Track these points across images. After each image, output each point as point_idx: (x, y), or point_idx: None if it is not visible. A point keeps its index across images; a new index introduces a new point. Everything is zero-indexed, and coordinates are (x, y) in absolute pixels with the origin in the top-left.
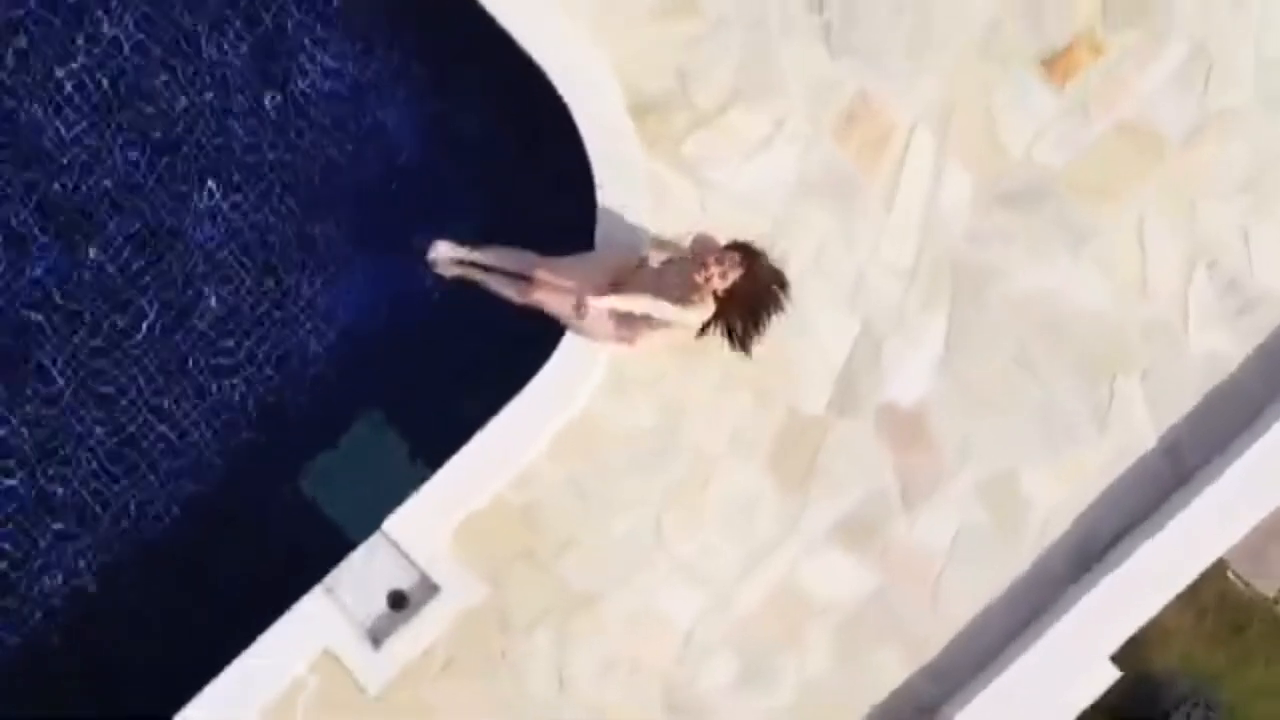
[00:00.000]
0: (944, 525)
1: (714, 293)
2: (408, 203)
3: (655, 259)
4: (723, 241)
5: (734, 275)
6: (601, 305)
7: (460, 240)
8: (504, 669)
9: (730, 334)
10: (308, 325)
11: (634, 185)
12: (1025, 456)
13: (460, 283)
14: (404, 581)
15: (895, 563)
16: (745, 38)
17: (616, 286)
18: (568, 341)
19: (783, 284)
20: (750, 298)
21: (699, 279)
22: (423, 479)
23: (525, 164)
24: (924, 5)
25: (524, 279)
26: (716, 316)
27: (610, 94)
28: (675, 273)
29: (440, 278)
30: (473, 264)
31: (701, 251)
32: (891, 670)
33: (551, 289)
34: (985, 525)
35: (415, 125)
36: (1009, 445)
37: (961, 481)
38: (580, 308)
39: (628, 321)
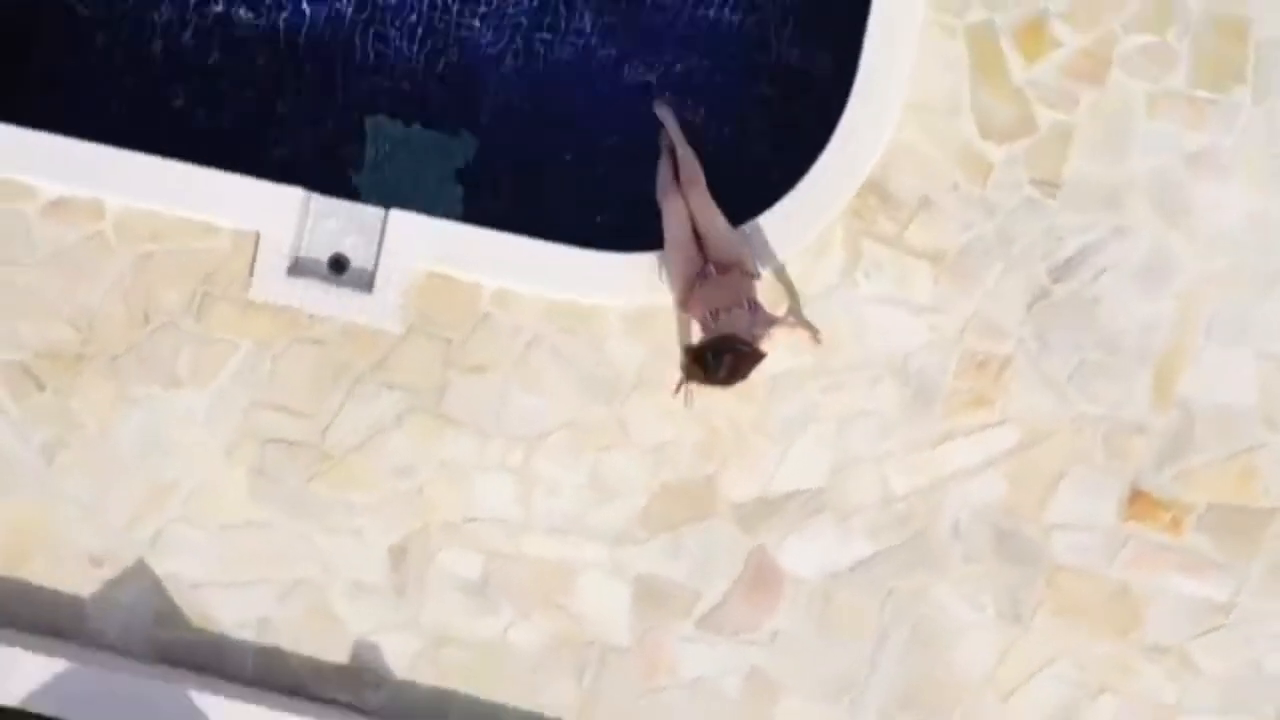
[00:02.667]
0: None
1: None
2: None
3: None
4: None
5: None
6: (677, 259)
7: (684, 116)
8: (343, 390)
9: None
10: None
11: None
12: None
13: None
14: (357, 260)
15: None
16: None
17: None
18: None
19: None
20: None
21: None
22: (458, 216)
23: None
24: None
25: (676, 184)
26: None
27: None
28: (725, 296)
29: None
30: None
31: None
32: None
33: (677, 213)
34: None
35: None
36: None
37: None
38: (672, 244)
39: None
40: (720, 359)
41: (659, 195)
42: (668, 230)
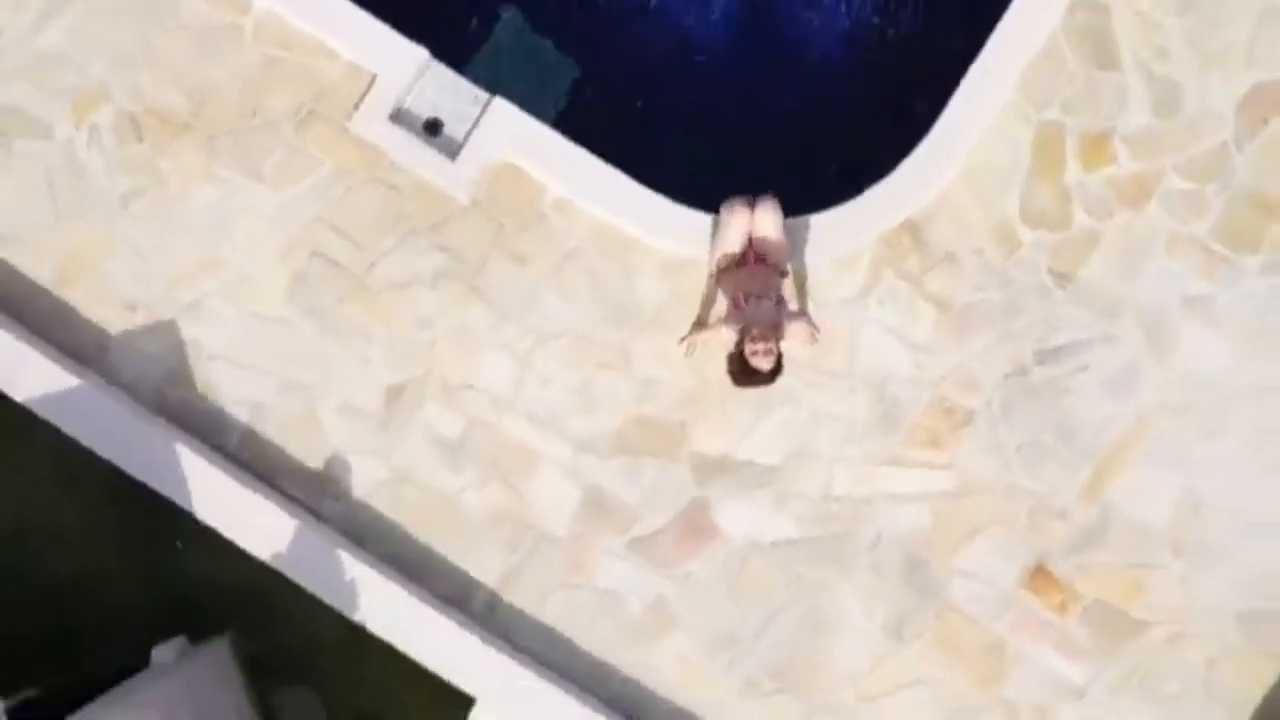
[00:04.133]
0: None
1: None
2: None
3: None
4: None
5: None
6: (725, 241)
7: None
8: (398, 235)
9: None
10: None
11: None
12: None
13: None
14: (450, 129)
15: None
16: None
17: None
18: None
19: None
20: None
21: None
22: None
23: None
24: None
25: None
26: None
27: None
28: (757, 285)
29: None
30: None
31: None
32: None
33: (738, 226)
34: None
35: None
36: None
37: None
38: (723, 237)
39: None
40: (753, 376)
41: (724, 206)
42: (723, 228)
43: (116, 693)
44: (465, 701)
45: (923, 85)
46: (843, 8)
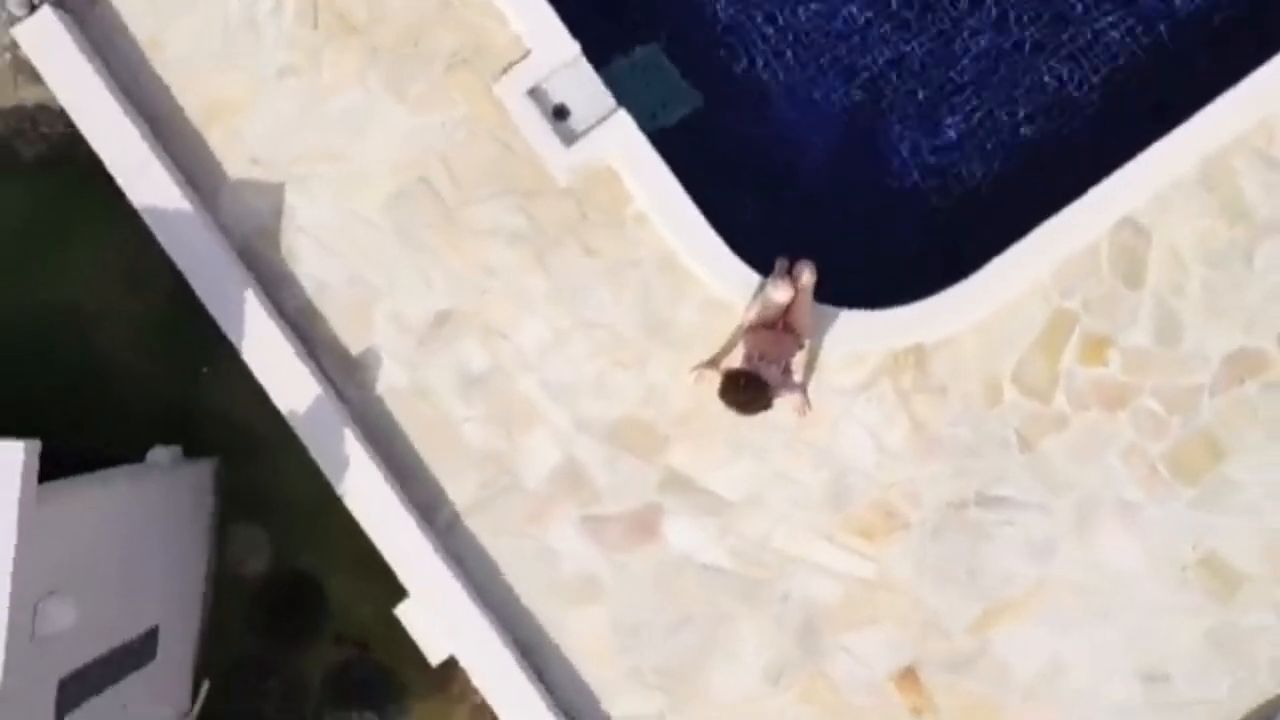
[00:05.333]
0: None
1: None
2: None
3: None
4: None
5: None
6: (764, 307)
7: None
8: (492, 191)
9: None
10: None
11: None
12: None
13: None
14: (574, 120)
15: None
16: None
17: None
18: None
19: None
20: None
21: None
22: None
23: None
24: None
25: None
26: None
27: None
28: (774, 351)
29: None
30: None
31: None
32: None
33: (777, 299)
34: None
35: None
36: None
37: None
38: (766, 301)
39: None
40: (745, 393)
41: (773, 275)
42: (768, 292)
43: (104, 474)
44: (397, 593)
45: (977, 231)
46: (926, 147)
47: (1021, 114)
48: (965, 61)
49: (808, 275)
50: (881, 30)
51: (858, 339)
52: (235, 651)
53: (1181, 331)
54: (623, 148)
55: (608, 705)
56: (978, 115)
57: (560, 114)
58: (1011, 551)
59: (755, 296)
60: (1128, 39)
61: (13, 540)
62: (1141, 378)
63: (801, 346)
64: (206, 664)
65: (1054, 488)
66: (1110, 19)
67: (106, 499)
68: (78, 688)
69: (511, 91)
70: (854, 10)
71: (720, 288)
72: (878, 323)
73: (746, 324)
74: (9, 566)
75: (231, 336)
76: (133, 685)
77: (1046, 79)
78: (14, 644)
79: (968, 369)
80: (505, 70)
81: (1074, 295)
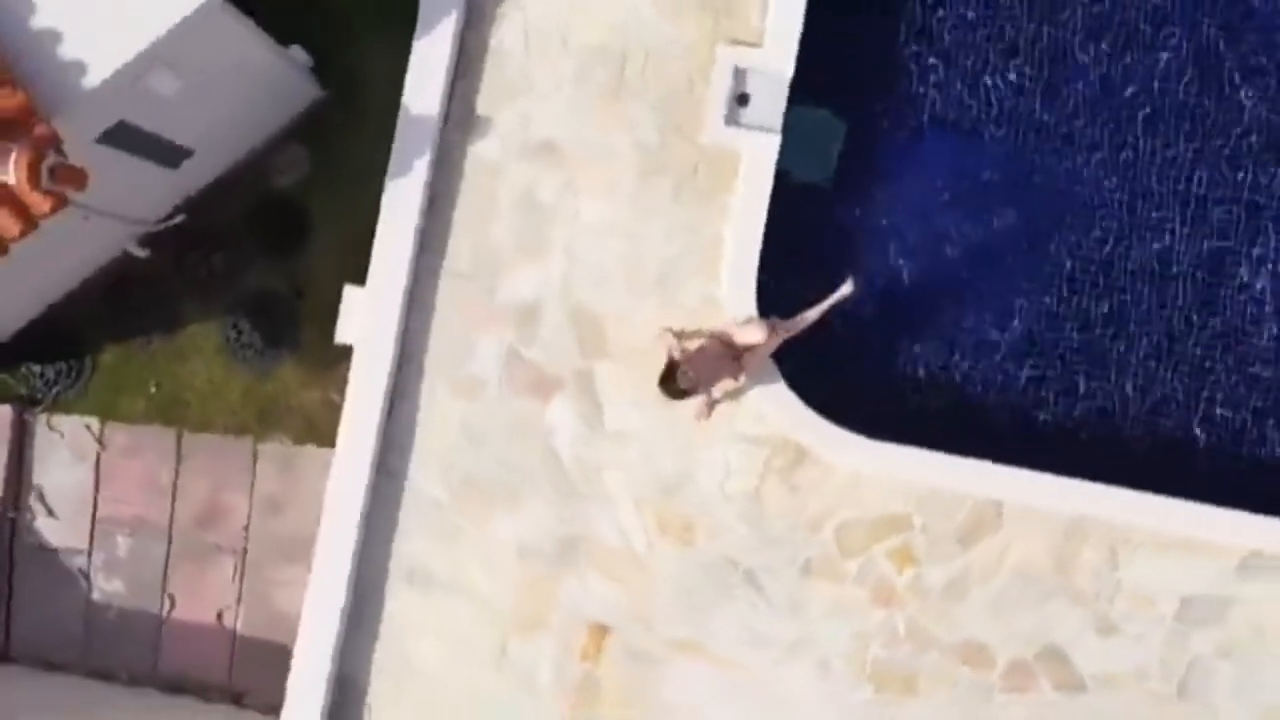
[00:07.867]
0: None
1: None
2: None
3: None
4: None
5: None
6: (738, 335)
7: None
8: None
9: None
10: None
11: None
12: None
13: None
14: (746, 114)
15: None
16: None
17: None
18: None
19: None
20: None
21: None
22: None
23: None
24: None
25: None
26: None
27: None
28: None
29: None
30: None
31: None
32: None
33: (763, 347)
34: None
35: None
36: None
37: None
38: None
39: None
40: (676, 389)
41: (770, 319)
42: (749, 325)
43: (260, 32)
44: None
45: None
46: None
47: None
48: None
49: (776, 335)
50: None
51: (771, 406)
52: (216, 223)
53: (966, 594)
54: (753, 151)
55: (415, 475)
56: None
57: (742, 100)
58: (736, 620)
59: (740, 322)
60: None
61: None
62: (913, 604)
63: (737, 380)
64: (191, 216)
65: (797, 614)
66: None
67: (248, 46)
68: (122, 134)
69: (727, 58)
70: None
71: (726, 296)
72: (792, 409)
73: (719, 332)
74: None
75: None
76: (139, 170)
77: None
78: (121, 82)
79: (820, 491)
80: (734, 42)
81: (926, 516)
